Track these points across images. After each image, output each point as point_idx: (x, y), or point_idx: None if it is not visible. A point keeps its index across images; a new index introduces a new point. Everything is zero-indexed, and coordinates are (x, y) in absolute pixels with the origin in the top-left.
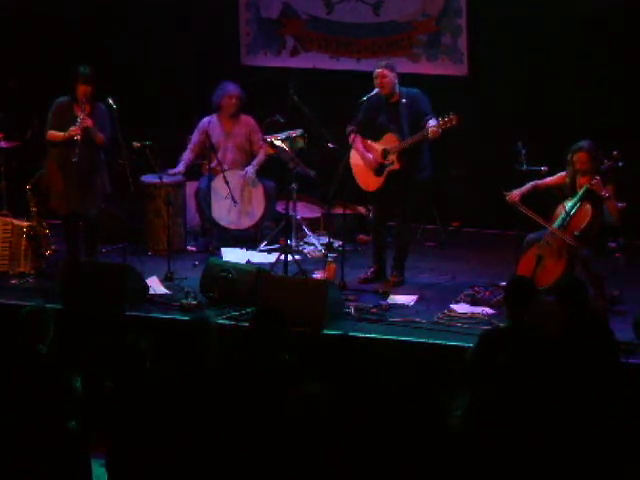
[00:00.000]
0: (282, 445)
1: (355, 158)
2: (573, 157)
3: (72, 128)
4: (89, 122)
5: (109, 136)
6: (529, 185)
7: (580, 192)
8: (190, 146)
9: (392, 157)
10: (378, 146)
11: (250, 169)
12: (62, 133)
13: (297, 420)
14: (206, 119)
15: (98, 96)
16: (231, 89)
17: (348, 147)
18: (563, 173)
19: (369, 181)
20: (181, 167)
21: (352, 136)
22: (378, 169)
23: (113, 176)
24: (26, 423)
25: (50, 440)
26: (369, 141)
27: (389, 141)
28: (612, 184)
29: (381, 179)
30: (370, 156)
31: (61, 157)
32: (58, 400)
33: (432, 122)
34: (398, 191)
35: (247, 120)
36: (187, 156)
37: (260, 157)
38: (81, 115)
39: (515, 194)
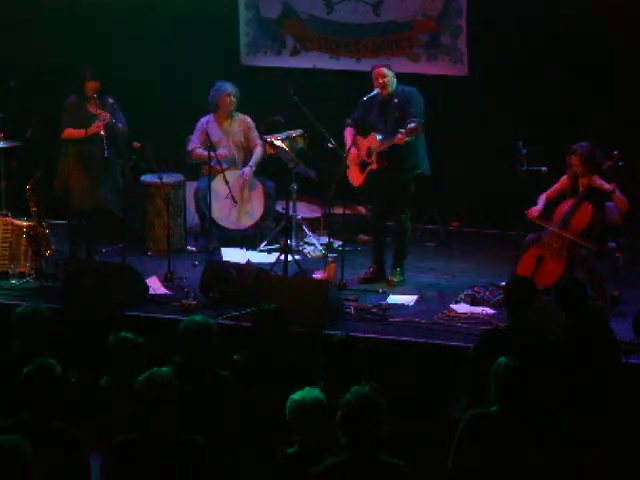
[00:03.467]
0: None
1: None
2: (570, 159)
3: (94, 124)
4: (108, 116)
5: (124, 125)
6: (542, 200)
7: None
8: (191, 145)
9: (373, 157)
10: (364, 143)
11: (247, 170)
12: (82, 130)
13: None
14: (203, 119)
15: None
16: (227, 88)
17: (347, 147)
18: (565, 177)
19: (354, 175)
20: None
21: (347, 129)
22: (361, 166)
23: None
24: (26, 423)
25: (50, 440)
26: (359, 137)
27: (371, 140)
28: (613, 184)
29: (363, 176)
30: (355, 151)
31: (81, 154)
32: (58, 400)
33: (411, 125)
34: (388, 192)
35: (243, 118)
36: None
37: (256, 156)
38: (98, 111)
39: (535, 210)
